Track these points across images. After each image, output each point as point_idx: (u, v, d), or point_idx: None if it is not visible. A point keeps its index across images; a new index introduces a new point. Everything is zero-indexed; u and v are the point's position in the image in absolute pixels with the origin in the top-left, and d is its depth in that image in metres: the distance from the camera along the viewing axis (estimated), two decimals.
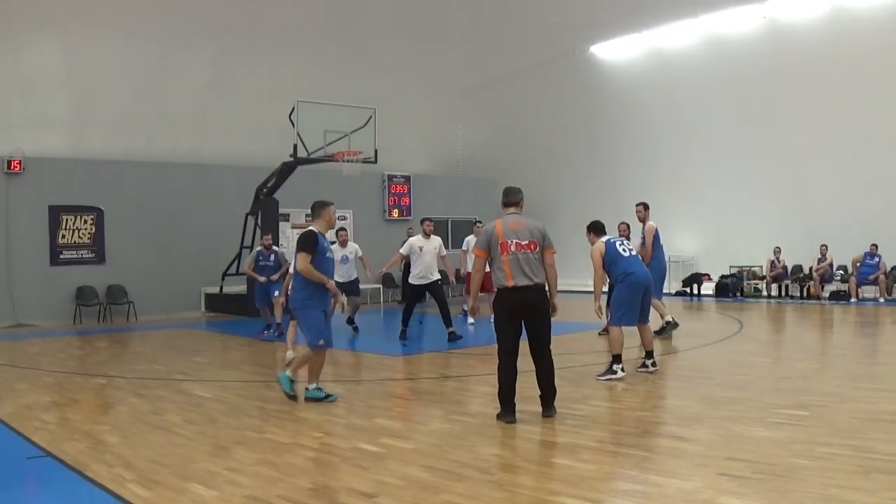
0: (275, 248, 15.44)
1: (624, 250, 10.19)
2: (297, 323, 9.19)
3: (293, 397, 8.75)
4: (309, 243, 8.54)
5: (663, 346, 12.70)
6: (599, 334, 13.68)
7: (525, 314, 7.60)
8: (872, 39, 19.56)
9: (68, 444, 7.00)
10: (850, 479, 5.48)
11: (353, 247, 15.06)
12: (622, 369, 9.80)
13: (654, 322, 12.28)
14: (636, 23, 23.75)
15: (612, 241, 10.28)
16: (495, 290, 7.71)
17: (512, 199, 7.99)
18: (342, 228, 15.28)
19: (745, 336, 14.24)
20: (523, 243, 7.56)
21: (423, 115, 27.20)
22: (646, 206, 13.86)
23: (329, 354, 12.76)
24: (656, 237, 13.58)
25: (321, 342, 8.76)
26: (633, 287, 10.06)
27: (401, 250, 14.68)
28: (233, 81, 22.36)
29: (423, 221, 14.69)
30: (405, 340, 14.03)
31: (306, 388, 8.80)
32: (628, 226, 13.88)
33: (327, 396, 8.80)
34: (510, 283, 7.51)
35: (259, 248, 15.41)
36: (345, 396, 9.27)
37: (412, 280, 14.24)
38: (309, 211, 9.41)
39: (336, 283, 13.87)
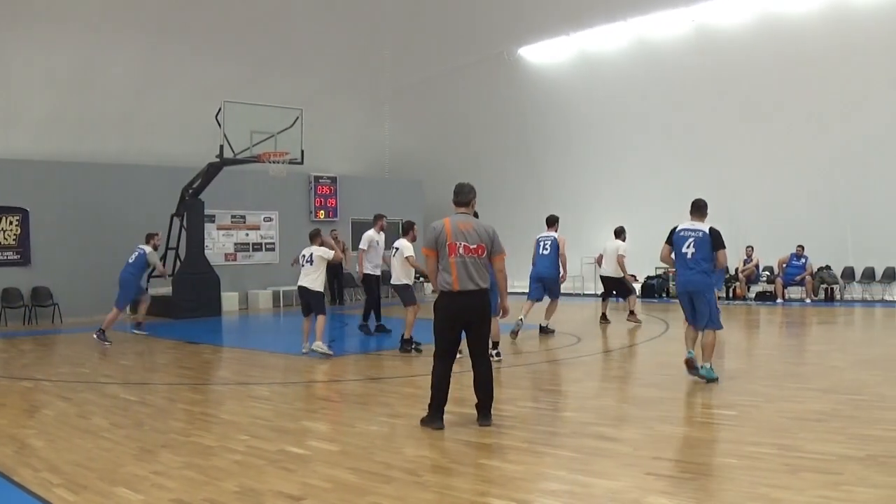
0: None
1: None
2: (706, 305, 9.30)
3: (716, 378, 9.30)
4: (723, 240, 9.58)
5: (589, 346, 12.97)
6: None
7: (467, 319, 7.40)
8: (798, 45, 20.03)
9: None
10: (778, 477, 5.61)
11: None
12: (497, 354, 11.17)
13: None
14: (565, 26, 23.98)
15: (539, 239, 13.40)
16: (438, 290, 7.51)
17: (463, 198, 7.64)
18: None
19: (671, 337, 14.28)
20: (472, 247, 7.35)
21: (350, 117, 27.16)
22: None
23: (254, 357, 12.85)
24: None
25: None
26: None
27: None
28: (159, 82, 22.02)
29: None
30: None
31: (701, 366, 9.22)
32: None
33: (716, 378, 9.33)
34: (456, 288, 7.32)
35: None
36: (271, 399, 9.31)
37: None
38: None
39: None
